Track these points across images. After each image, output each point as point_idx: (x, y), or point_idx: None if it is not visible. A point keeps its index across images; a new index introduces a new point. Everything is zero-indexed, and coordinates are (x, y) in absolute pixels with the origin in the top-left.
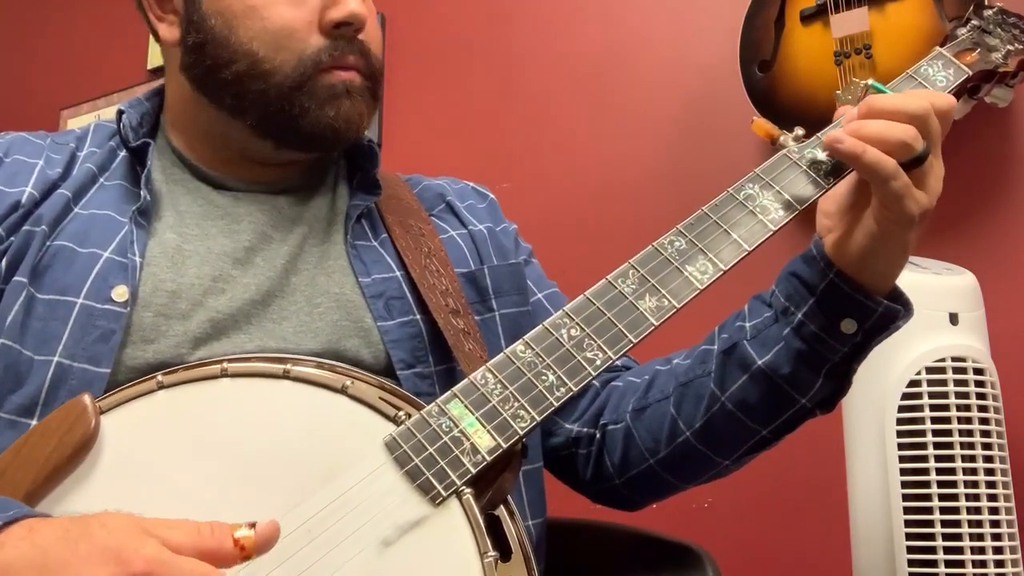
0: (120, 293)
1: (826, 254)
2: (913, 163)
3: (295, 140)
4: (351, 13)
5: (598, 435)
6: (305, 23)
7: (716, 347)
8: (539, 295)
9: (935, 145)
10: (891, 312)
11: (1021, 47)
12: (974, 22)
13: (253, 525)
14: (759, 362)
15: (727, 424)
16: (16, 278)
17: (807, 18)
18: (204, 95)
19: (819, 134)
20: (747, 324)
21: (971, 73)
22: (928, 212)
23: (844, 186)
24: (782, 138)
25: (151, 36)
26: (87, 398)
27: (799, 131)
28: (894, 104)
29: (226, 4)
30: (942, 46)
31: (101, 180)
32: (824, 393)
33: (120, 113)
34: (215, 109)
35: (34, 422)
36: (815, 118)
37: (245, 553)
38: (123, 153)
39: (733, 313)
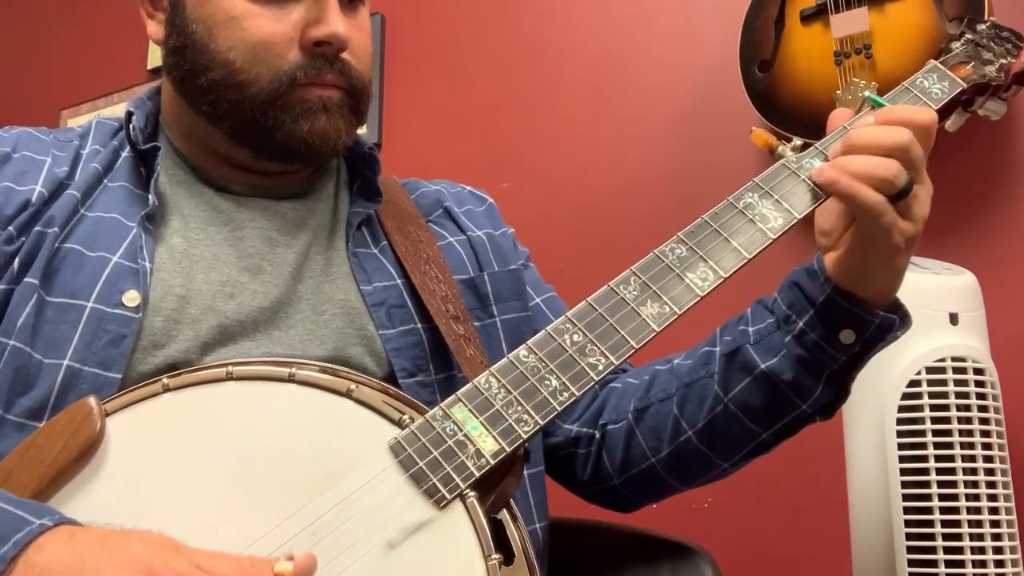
0: (131, 298)
1: (825, 270)
2: (898, 196)
3: (270, 151)
4: (330, 33)
5: (598, 435)
6: (285, 38)
7: (719, 349)
8: (537, 299)
9: (919, 170)
10: (888, 323)
11: (1014, 60)
12: (968, 36)
13: (291, 557)
14: (762, 366)
15: (729, 425)
16: (27, 279)
17: (807, 18)
18: (184, 98)
19: (817, 144)
20: (750, 328)
21: (966, 86)
22: (918, 235)
23: (838, 206)
24: (780, 148)
25: None
26: (92, 400)
27: (797, 141)
28: (873, 139)
29: (209, 11)
30: (937, 59)
31: (105, 182)
32: (825, 399)
33: (129, 115)
34: (194, 113)
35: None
36: (815, 118)
37: None
38: (125, 153)
39: (735, 316)
